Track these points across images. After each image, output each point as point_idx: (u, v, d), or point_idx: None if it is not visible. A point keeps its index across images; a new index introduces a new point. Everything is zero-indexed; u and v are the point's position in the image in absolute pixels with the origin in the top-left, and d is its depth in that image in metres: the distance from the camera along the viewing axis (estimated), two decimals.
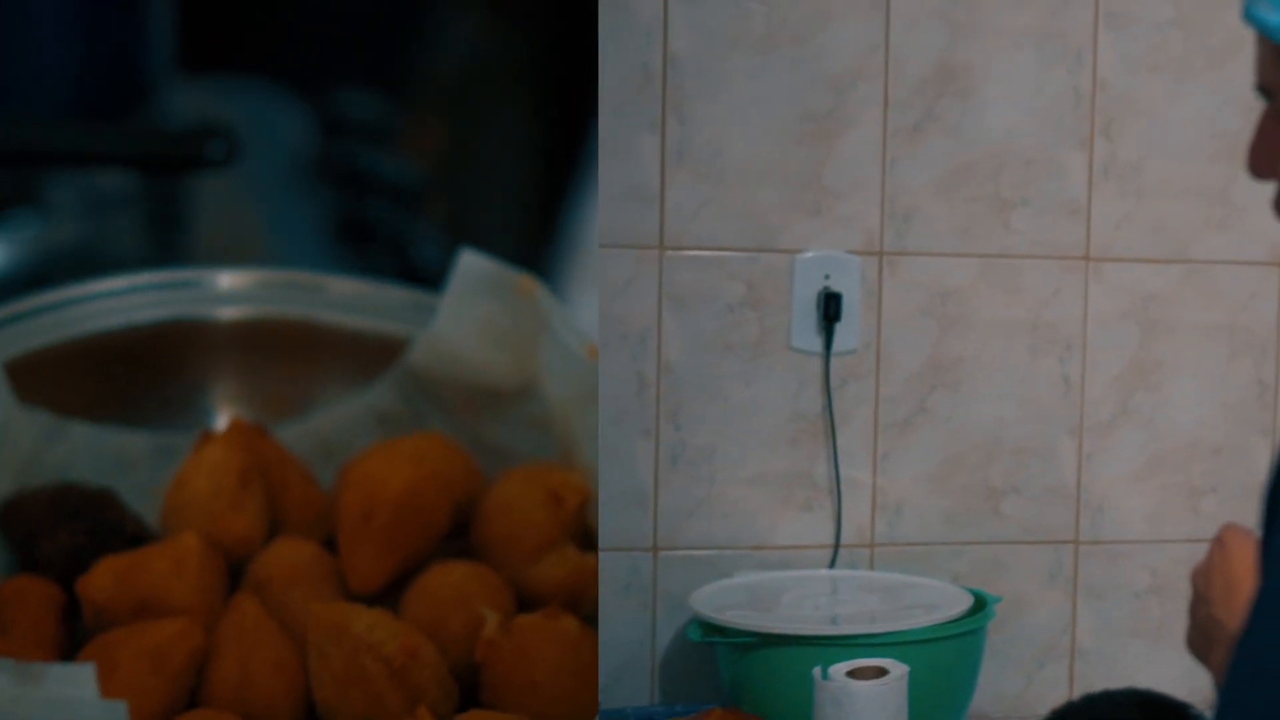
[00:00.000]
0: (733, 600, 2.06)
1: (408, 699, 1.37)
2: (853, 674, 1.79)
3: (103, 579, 1.42)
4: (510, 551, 1.50)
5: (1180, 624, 1.38)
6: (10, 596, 1.42)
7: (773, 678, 1.94)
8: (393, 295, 1.62)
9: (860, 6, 2.16)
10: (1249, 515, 1.27)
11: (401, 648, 1.38)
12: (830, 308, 2.16)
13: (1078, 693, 2.24)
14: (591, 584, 1.52)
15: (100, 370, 1.57)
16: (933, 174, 2.20)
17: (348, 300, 1.62)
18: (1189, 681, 2.03)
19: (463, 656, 1.42)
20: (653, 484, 2.16)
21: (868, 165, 2.18)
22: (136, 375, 1.58)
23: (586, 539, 1.54)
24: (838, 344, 2.18)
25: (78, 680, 1.28)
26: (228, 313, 1.61)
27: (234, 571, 1.48)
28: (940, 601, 2.03)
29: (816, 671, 1.79)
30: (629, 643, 2.16)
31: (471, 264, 1.54)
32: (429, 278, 1.57)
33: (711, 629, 1.99)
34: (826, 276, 2.18)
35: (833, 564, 2.20)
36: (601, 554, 1.54)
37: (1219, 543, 1.35)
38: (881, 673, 1.79)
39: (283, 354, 1.61)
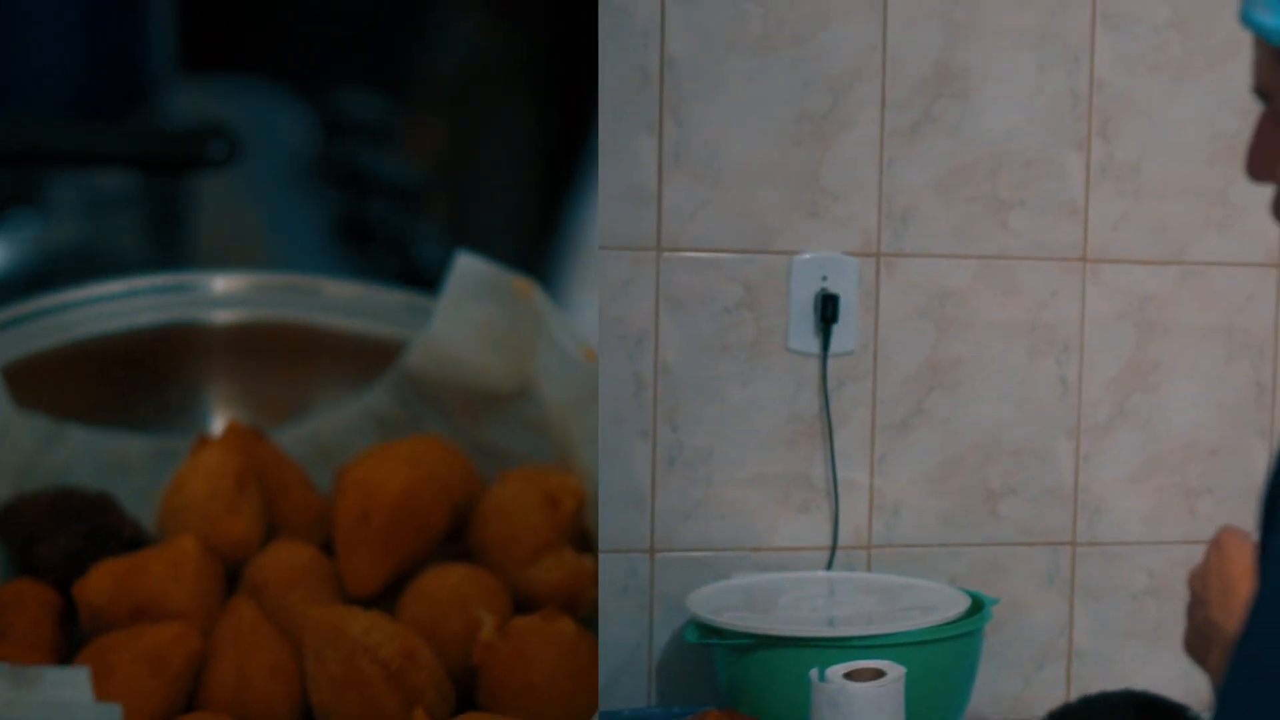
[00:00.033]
0: (730, 602, 2.06)
1: (405, 701, 1.37)
2: (850, 676, 1.79)
3: (100, 582, 1.43)
4: (507, 554, 1.50)
5: (1177, 625, 1.38)
6: (8, 600, 1.42)
7: (770, 679, 1.94)
8: (389, 298, 1.62)
9: (858, 7, 2.16)
10: (1246, 517, 1.27)
11: (398, 650, 1.38)
12: (828, 309, 2.16)
13: (1075, 694, 2.24)
14: (588, 586, 1.52)
15: (98, 374, 1.57)
16: (930, 175, 2.20)
17: (344, 303, 1.62)
18: (1186, 683, 2.03)
19: (460, 659, 1.42)
20: (650, 485, 2.16)
21: (865, 166, 2.18)
22: (134, 379, 1.59)
23: (584, 541, 1.54)
24: (835, 345, 2.18)
25: (73, 683, 1.28)
26: (224, 316, 1.61)
27: (231, 575, 1.48)
28: (938, 603, 2.03)
29: (814, 673, 1.79)
30: (626, 644, 2.16)
31: (468, 266, 1.54)
32: (430, 278, 1.57)
33: (709, 630, 1.99)
34: (824, 278, 2.18)
35: (830, 566, 2.20)
36: (599, 556, 1.54)
37: (1215, 545, 1.35)
38: (879, 674, 1.79)
39: (280, 357, 1.61)
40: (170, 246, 1.97)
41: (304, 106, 2.10)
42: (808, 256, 2.17)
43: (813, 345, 2.18)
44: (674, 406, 2.16)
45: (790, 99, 2.16)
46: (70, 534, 1.47)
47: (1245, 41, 1.20)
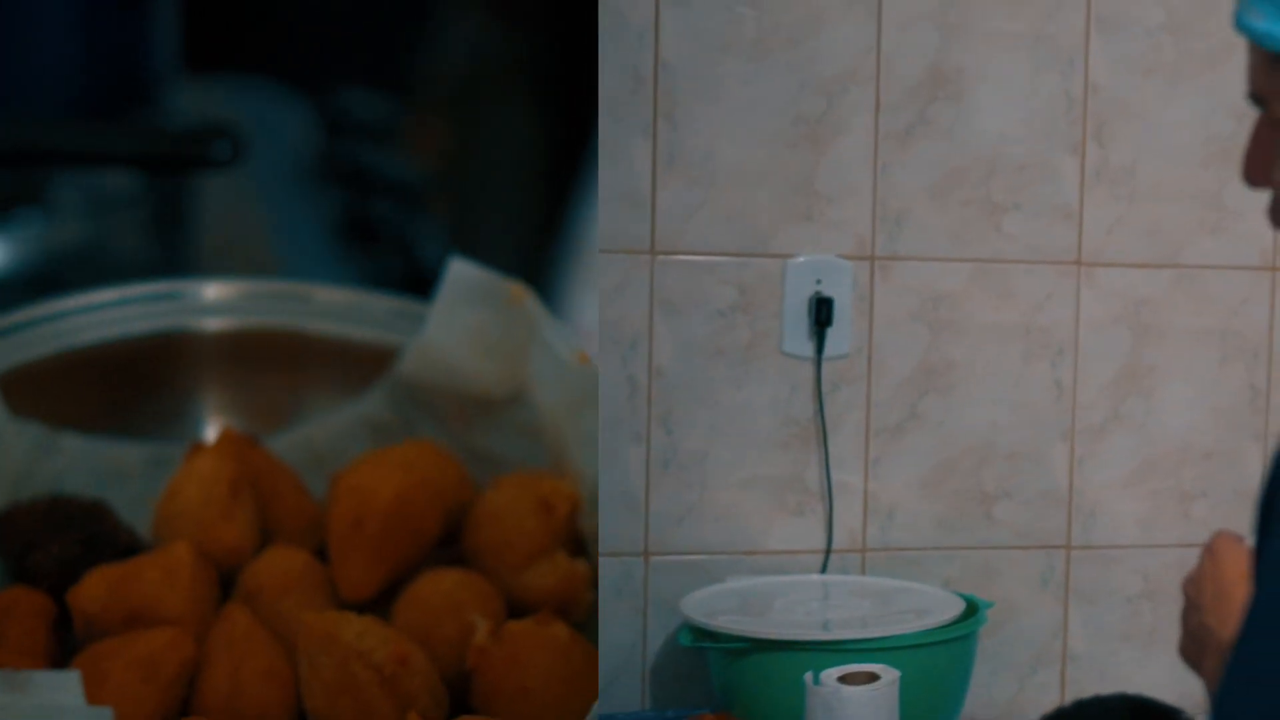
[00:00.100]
0: (724, 605, 2.06)
1: (398, 707, 1.37)
2: (844, 679, 1.79)
3: (94, 589, 1.43)
4: (501, 559, 1.51)
5: (1172, 629, 1.38)
6: (2, 607, 1.42)
7: (764, 683, 1.94)
8: (380, 304, 1.62)
9: (852, 11, 2.16)
10: (1240, 520, 1.27)
11: (392, 655, 1.38)
12: (822, 312, 2.16)
13: (1069, 698, 2.24)
14: (583, 590, 1.52)
15: (92, 382, 1.57)
16: (925, 178, 2.20)
17: (335, 309, 1.62)
18: (1180, 687, 2.03)
19: (454, 664, 1.42)
20: (644, 489, 2.16)
21: (859, 170, 2.18)
22: (128, 387, 1.59)
23: (579, 545, 1.54)
24: (829, 349, 2.18)
25: (64, 687, 1.28)
26: (216, 324, 1.61)
27: (225, 581, 1.48)
28: (932, 607, 2.03)
29: (808, 677, 1.79)
30: (620, 648, 2.16)
31: (461, 272, 1.54)
32: (433, 277, 1.57)
33: (703, 634, 1.99)
34: (818, 281, 2.17)
35: (824, 569, 2.20)
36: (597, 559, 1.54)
37: (1209, 550, 1.35)
38: (873, 678, 1.79)
39: (272, 364, 1.61)
40: (173, 246, 1.97)
41: (307, 106, 2.10)
42: (802, 260, 2.17)
43: (807, 348, 2.18)
44: (668, 410, 2.16)
45: (784, 102, 2.15)
46: (65, 541, 1.47)
47: (1239, 44, 1.20)
